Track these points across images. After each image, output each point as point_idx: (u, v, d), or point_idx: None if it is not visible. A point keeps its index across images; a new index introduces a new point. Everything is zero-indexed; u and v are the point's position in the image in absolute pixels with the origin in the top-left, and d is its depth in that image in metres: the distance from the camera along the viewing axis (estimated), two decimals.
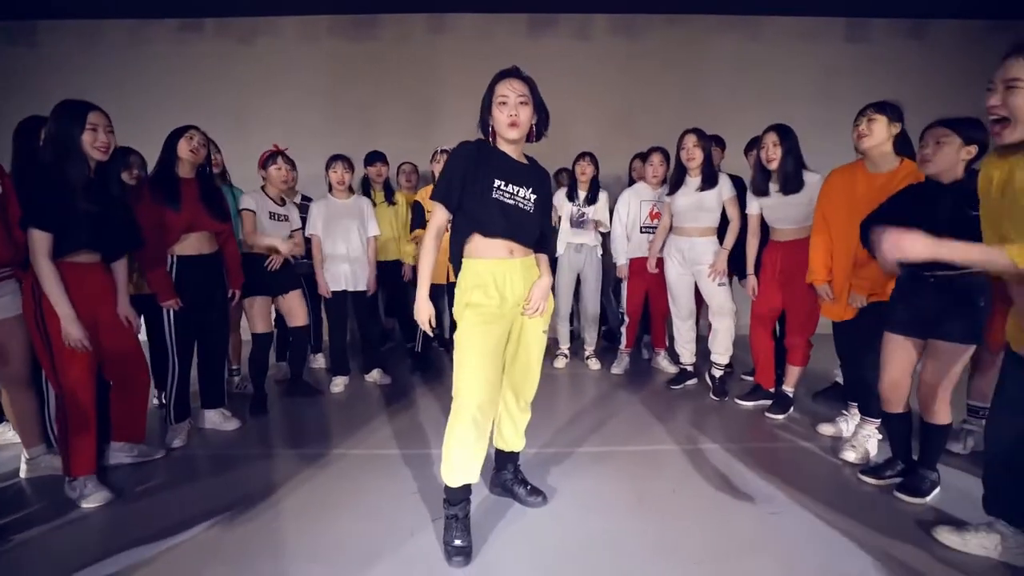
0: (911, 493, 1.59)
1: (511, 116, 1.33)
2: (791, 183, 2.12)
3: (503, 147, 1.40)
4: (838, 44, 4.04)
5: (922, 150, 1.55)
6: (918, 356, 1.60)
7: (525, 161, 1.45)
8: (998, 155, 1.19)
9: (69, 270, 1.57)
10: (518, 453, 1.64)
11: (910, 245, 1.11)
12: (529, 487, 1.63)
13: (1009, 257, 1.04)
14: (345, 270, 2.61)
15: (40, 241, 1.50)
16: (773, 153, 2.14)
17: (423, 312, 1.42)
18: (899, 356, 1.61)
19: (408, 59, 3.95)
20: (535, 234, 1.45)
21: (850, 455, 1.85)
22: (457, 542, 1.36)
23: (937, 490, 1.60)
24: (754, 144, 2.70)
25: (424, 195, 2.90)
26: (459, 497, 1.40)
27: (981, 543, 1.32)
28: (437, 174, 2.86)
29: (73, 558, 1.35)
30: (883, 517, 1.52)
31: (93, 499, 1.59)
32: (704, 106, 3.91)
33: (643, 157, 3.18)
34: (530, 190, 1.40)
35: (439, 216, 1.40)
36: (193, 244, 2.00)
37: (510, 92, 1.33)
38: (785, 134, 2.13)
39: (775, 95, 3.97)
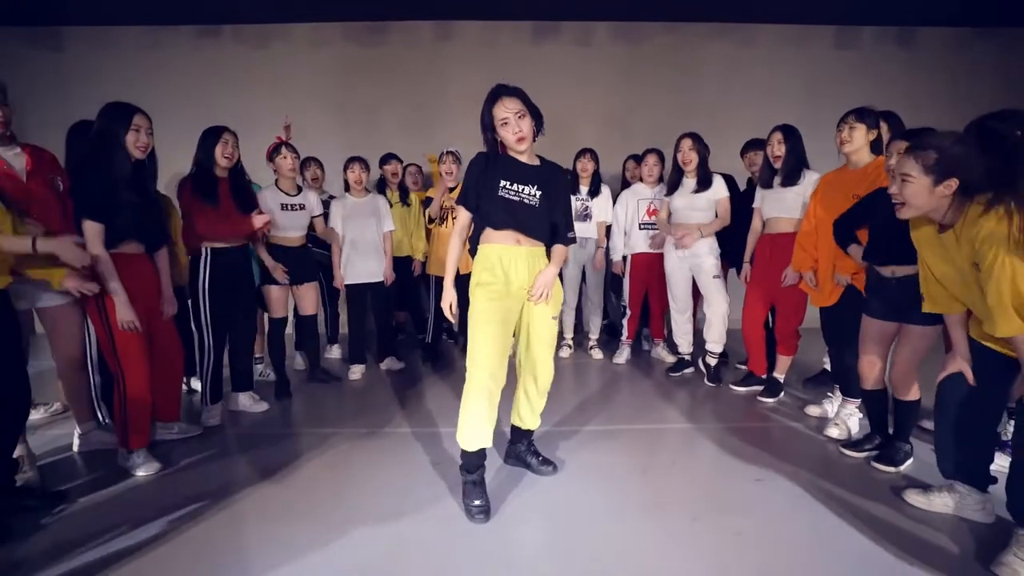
0: (886, 463, 1.76)
1: (516, 133, 1.49)
2: (789, 176, 2.30)
3: (513, 154, 1.57)
4: (827, 51, 4.22)
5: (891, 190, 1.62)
6: (892, 337, 1.77)
7: (536, 162, 1.60)
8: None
9: (120, 260, 1.72)
10: (532, 431, 1.78)
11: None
12: (541, 458, 1.78)
13: (1004, 334, 1.20)
14: (363, 264, 2.77)
15: (94, 231, 1.65)
16: (778, 150, 2.33)
17: (448, 297, 1.59)
18: (874, 337, 1.78)
19: (415, 64, 4.11)
20: (543, 227, 1.59)
21: (833, 431, 2.02)
22: (477, 502, 1.51)
23: (910, 460, 1.77)
24: (750, 146, 2.88)
25: (433, 192, 3.08)
26: (475, 463, 1.55)
27: (943, 502, 1.49)
28: (444, 174, 3.03)
29: (130, 517, 1.50)
30: (861, 484, 1.69)
31: (145, 468, 1.75)
32: (698, 109, 4.09)
33: (637, 158, 3.36)
34: (535, 187, 1.55)
35: (463, 216, 1.61)
36: (225, 239, 2.15)
37: (508, 112, 1.47)
38: (788, 133, 2.33)
39: (766, 99, 4.15)
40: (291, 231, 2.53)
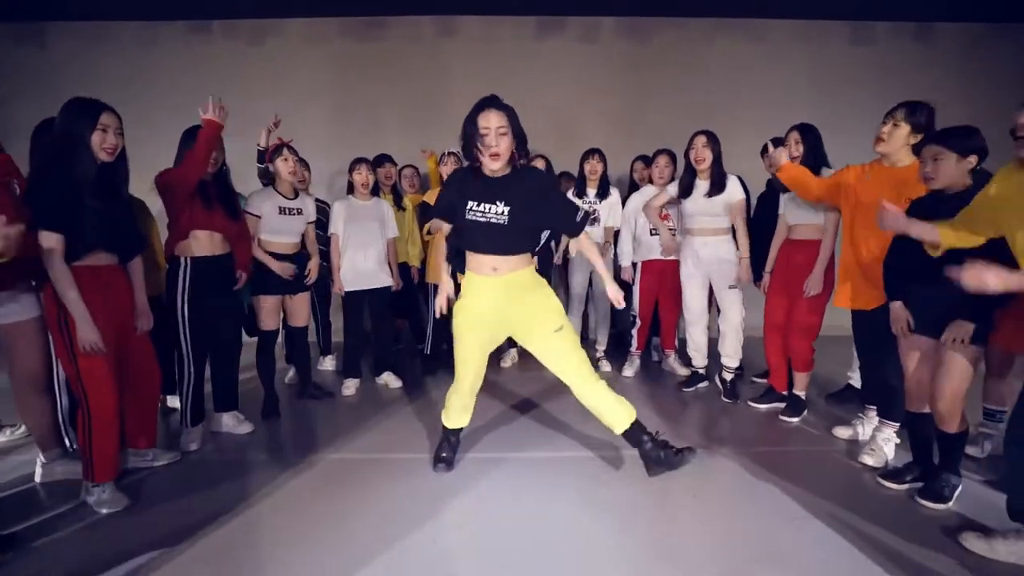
0: (933, 498, 1.59)
1: (491, 149, 1.48)
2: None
3: (486, 170, 1.55)
4: (842, 47, 4.06)
5: (922, 169, 1.57)
6: (938, 357, 1.59)
7: (507, 172, 1.57)
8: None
9: (88, 273, 1.55)
10: (634, 428, 1.71)
11: (992, 278, 1.21)
12: (674, 448, 1.74)
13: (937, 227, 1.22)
14: (364, 269, 2.61)
15: (51, 242, 1.48)
16: (795, 151, 2.17)
17: (443, 291, 1.78)
18: (916, 354, 1.61)
19: (416, 61, 3.96)
20: (519, 241, 1.59)
21: (868, 459, 1.85)
22: (443, 453, 1.83)
23: (958, 494, 1.60)
24: (775, 144, 2.70)
25: (432, 196, 2.90)
26: (451, 432, 1.87)
27: (1010, 550, 1.31)
28: (446, 176, 2.86)
29: (89, 563, 1.33)
30: (906, 523, 1.51)
31: (111, 504, 1.58)
32: (706, 107, 3.92)
33: (645, 159, 3.20)
34: (501, 203, 1.53)
35: (444, 226, 1.71)
36: (206, 245, 1.99)
37: (490, 124, 1.46)
38: (806, 133, 2.16)
39: (778, 98, 3.99)
40: (286, 237, 2.37)
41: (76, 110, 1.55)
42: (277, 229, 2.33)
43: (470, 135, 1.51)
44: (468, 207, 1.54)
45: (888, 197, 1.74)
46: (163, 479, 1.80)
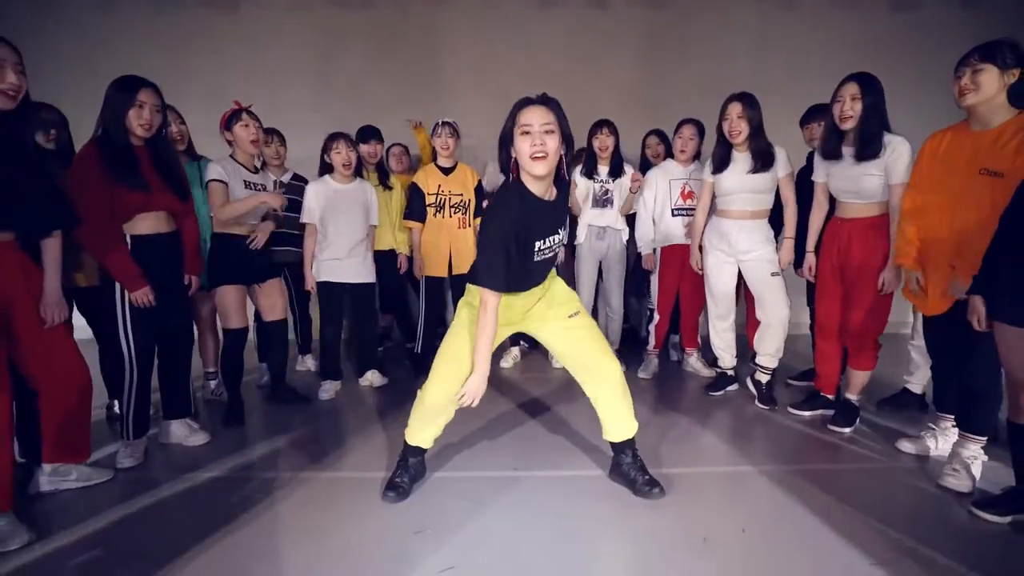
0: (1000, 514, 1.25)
1: (536, 146, 1.22)
2: (870, 146, 1.75)
3: (530, 184, 1.28)
4: (882, 14, 3.68)
5: (959, 82, 1.45)
6: None
7: (554, 192, 1.34)
8: None
9: None
10: (628, 441, 1.53)
11: None
12: (647, 477, 1.49)
13: None
14: (345, 262, 2.29)
15: None
16: (850, 109, 1.77)
17: (478, 389, 1.36)
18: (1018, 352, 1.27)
19: (407, 31, 3.60)
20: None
21: (951, 480, 1.50)
22: (397, 479, 1.50)
23: None
24: (814, 115, 2.34)
25: (422, 177, 2.56)
26: (413, 452, 1.53)
27: None
28: (438, 148, 2.52)
29: None
30: (1009, 565, 1.18)
31: (8, 542, 1.25)
32: (731, 80, 3.49)
33: (660, 134, 2.85)
34: (561, 230, 1.37)
35: (492, 303, 1.28)
36: (150, 223, 1.66)
37: (533, 120, 1.23)
38: (869, 85, 1.76)
39: (810, 69, 3.60)
40: (248, 218, 2.03)
41: None
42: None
43: (508, 133, 1.27)
44: (537, 248, 1.31)
45: (960, 167, 1.48)
46: (88, 504, 1.47)
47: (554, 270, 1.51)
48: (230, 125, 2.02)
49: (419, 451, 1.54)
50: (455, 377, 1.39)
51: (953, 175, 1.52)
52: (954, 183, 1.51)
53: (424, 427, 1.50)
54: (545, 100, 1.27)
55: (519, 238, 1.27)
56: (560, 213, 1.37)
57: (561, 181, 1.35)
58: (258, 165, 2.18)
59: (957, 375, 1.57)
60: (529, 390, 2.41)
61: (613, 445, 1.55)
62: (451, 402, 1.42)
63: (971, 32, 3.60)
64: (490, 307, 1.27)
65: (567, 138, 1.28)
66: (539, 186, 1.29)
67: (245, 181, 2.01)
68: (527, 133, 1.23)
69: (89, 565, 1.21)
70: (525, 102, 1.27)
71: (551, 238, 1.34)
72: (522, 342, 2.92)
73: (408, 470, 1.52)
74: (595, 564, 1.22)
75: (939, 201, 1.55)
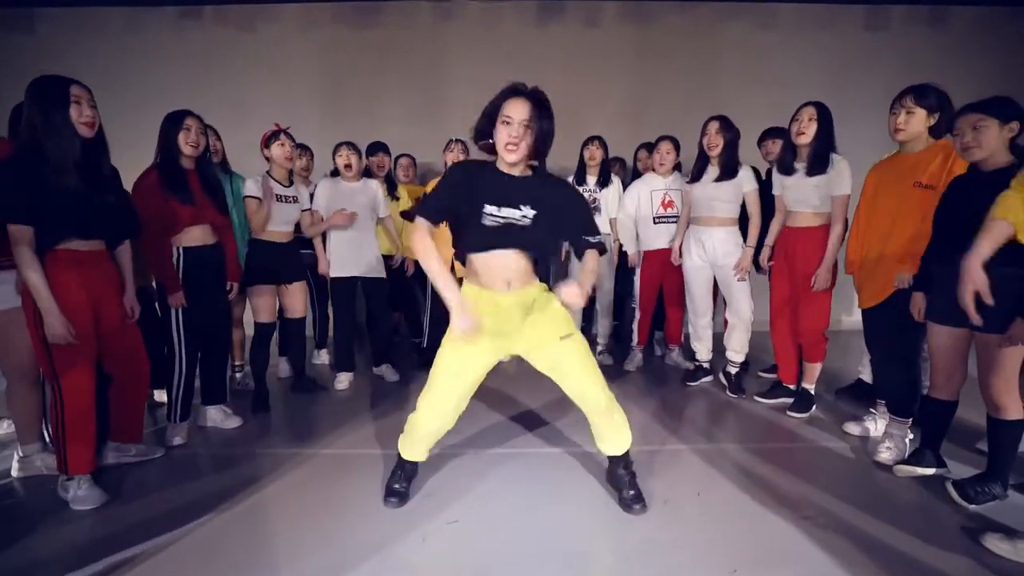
0: (963, 496, 1.50)
1: (511, 138, 1.28)
2: (817, 164, 2.03)
3: (502, 164, 1.35)
4: (855, 33, 3.92)
5: (961, 139, 1.48)
6: (967, 344, 1.53)
7: (528, 173, 1.38)
8: None
9: (67, 259, 1.48)
10: (620, 456, 1.54)
11: (975, 274, 1.26)
12: (634, 492, 1.51)
13: (1001, 218, 1.26)
14: (354, 256, 2.52)
15: (18, 233, 1.40)
16: (807, 127, 2.03)
17: (462, 321, 1.32)
18: (946, 347, 1.54)
19: (413, 47, 3.84)
20: (539, 248, 1.40)
21: (885, 455, 1.76)
22: (396, 484, 1.55)
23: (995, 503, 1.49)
24: (769, 135, 2.61)
25: (432, 187, 2.81)
26: (406, 467, 1.58)
27: None
28: (449, 163, 2.77)
29: (66, 560, 1.27)
30: (923, 523, 1.44)
31: (86, 501, 1.51)
32: (715, 95, 3.79)
33: (650, 147, 3.10)
34: (528, 206, 1.34)
35: (421, 225, 1.35)
36: (197, 235, 1.91)
37: (515, 113, 1.28)
38: (823, 111, 2.04)
39: (788, 85, 3.84)
40: (282, 225, 2.30)
41: (43, 89, 1.46)
42: (272, 216, 2.26)
43: (489, 117, 1.32)
44: (485, 211, 1.32)
45: (895, 185, 1.75)
46: (146, 475, 1.73)
47: (545, 289, 1.46)
48: (269, 144, 2.28)
49: (414, 462, 1.59)
50: (443, 403, 1.43)
51: (892, 194, 1.79)
52: (892, 200, 1.78)
53: (417, 444, 1.53)
54: (531, 95, 1.29)
55: (468, 195, 1.32)
56: (524, 192, 1.34)
57: (542, 176, 1.39)
58: (301, 176, 2.44)
59: (887, 366, 1.83)
60: (528, 376, 2.67)
61: (607, 456, 1.58)
62: (445, 425, 1.47)
63: (937, 49, 3.91)
64: (420, 229, 1.34)
65: (546, 134, 1.31)
66: (510, 167, 1.35)
67: (278, 195, 2.28)
68: (507, 123, 1.28)
69: (148, 521, 1.46)
70: (512, 92, 1.30)
71: (507, 209, 1.32)
72: None
73: (405, 474, 1.57)
74: (575, 523, 1.47)
75: (878, 213, 1.82)
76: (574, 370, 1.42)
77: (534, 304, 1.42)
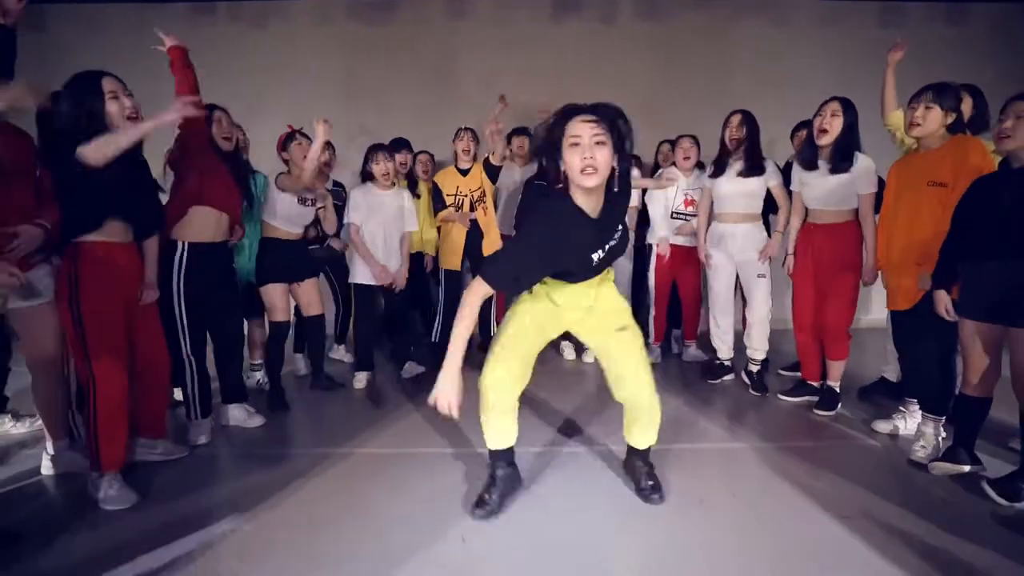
0: (1005, 495, 1.48)
1: (587, 160, 1.14)
2: (841, 161, 2.00)
3: (578, 197, 1.23)
4: (871, 29, 3.90)
5: (1001, 124, 1.48)
6: (1000, 340, 1.51)
7: (600, 204, 1.27)
8: None
9: (101, 249, 1.50)
10: (642, 451, 1.57)
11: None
12: (652, 483, 1.52)
13: None
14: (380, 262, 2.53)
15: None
16: (829, 123, 2.01)
17: (447, 393, 1.20)
18: (978, 341, 1.53)
19: (426, 44, 3.83)
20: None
21: (920, 453, 1.74)
22: (487, 494, 1.45)
23: None
24: (802, 127, 2.59)
25: (442, 178, 2.80)
26: (499, 458, 1.48)
27: None
28: (459, 152, 2.76)
29: (95, 559, 1.26)
30: (961, 521, 1.42)
31: (118, 501, 1.49)
32: (730, 91, 3.77)
33: (672, 143, 3.08)
34: (608, 244, 1.30)
35: (478, 292, 1.21)
36: (209, 229, 1.87)
37: (584, 132, 1.15)
38: (847, 106, 2.01)
39: (804, 81, 3.83)
40: (296, 227, 2.31)
41: (80, 85, 1.49)
42: (289, 217, 2.25)
43: (553, 144, 1.19)
44: (595, 259, 1.28)
45: (913, 183, 1.76)
46: (172, 474, 1.72)
47: (610, 273, 1.46)
48: (286, 146, 2.27)
49: (505, 455, 1.47)
50: (511, 357, 1.37)
51: (909, 191, 1.79)
52: (909, 197, 1.78)
53: (496, 423, 1.42)
54: (595, 110, 1.18)
55: (563, 252, 1.23)
56: (607, 228, 1.29)
57: (611, 193, 1.27)
58: (324, 173, 2.43)
59: (918, 365, 1.82)
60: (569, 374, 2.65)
61: (629, 445, 1.60)
62: (518, 378, 1.39)
63: (955, 46, 3.88)
64: (474, 296, 1.20)
65: (621, 149, 1.20)
66: (588, 200, 1.24)
67: (300, 197, 2.26)
68: (576, 145, 1.16)
69: (177, 521, 1.44)
70: (574, 111, 1.18)
71: (595, 254, 1.29)
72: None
73: (497, 484, 1.45)
74: (606, 521, 1.46)
75: (900, 214, 1.81)
76: (625, 361, 1.44)
77: (594, 301, 1.41)
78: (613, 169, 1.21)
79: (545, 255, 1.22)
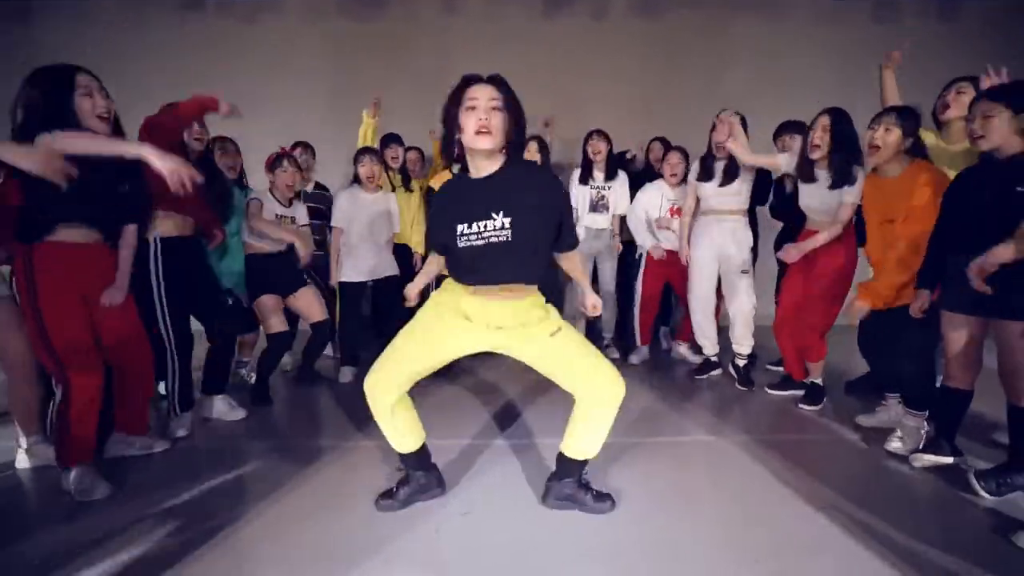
0: (987, 488, 1.46)
1: (480, 122, 1.13)
2: (842, 180, 1.96)
3: (472, 163, 1.20)
4: (864, 25, 3.90)
5: (969, 126, 1.47)
6: (982, 333, 1.51)
7: (496, 166, 1.20)
8: None
9: (57, 252, 1.46)
10: (577, 460, 1.39)
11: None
12: (594, 492, 1.41)
13: None
14: (365, 262, 2.54)
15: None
16: (820, 139, 1.96)
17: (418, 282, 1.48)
18: (961, 334, 1.52)
19: (418, 41, 3.82)
20: (530, 270, 1.24)
21: (895, 445, 1.74)
22: (394, 489, 1.42)
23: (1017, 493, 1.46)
24: (785, 129, 2.56)
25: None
26: (406, 462, 1.43)
27: None
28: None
29: (70, 552, 1.25)
30: (942, 512, 1.43)
31: (91, 492, 1.48)
32: (723, 89, 3.77)
33: (664, 142, 3.06)
34: (499, 213, 1.16)
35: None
36: (177, 225, 1.86)
37: (481, 94, 1.15)
38: (838, 119, 1.95)
39: (797, 79, 3.83)
40: (271, 244, 2.29)
41: (47, 78, 1.43)
42: (265, 239, 2.26)
43: (452, 115, 1.18)
44: (459, 232, 1.17)
45: (880, 211, 1.78)
46: (152, 467, 1.70)
47: (537, 293, 1.32)
48: (273, 169, 2.28)
49: (411, 460, 1.40)
50: (399, 367, 1.32)
51: (874, 214, 1.82)
52: (874, 220, 1.82)
53: (385, 427, 1.36)
54: (491, 78, 1.18)
55: (444, 224, 1.20)
56: (498, 194, 1.18)
57: (514, 167, 1.21)
58: (292, 200, 2.39)
59: (892, 363, 1.82)
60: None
61: (559, 463, 1.40)
62: (402, 386, 1.33)
63: (947, 42, 3.87)
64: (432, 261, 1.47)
65: (518, 119, 1.18)
66: (484, 164, 1.19)
67: (276, 215, 2.29)
68: (473, 108, 1.15)
69: (153, 514, 1.43)
70: (468, 81, 1.18)
71: (479, 224, 1.16)
72: None
73: (409, 483, 1.42)
74: (588, 514, 1.44)
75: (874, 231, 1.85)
76: (570, 357, 1.30)
77: (530, 317, 1.30)
78: (514, 142, 1.19)
79: (436, 212, 1.31)
